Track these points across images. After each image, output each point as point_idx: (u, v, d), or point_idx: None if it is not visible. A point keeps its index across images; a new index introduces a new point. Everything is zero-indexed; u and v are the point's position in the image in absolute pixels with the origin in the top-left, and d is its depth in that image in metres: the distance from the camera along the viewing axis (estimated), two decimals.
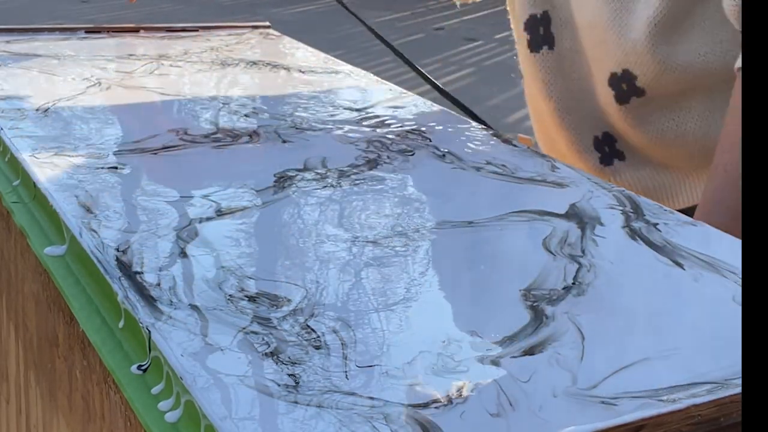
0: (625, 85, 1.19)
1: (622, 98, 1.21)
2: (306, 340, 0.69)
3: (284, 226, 0.90)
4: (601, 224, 0.92)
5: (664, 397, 0.63)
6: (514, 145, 1.16)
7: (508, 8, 1.36)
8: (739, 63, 1.03)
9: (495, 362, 0.67)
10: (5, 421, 1.22)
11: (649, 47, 1.16)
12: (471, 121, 1.26)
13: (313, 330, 0.70)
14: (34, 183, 0.97)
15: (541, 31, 1.25)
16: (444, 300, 0.78)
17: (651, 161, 1.26)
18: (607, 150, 1.27)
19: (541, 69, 1.27)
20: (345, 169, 1.04)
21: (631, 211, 0.95)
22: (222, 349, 0.67)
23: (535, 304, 0.75)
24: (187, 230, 0.86)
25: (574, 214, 0.94)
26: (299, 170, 1.03)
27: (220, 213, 0.91)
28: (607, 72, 1.20)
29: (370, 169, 1.04)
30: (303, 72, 1.47)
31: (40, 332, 0.98)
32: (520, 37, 1.30)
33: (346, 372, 0.65)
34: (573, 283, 0.79)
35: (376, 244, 0.86)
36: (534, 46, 1.26)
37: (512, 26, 1.35)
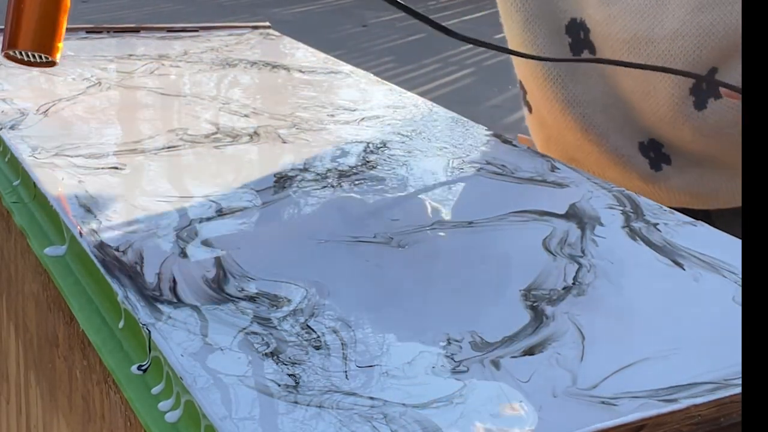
0: (704, 85, 1.16)
1: (700, 103, 1.17)
2: (306, 340, 0.69)
3: (284, 226, 0.90)
4: (601, 224, 0.92)
5: (664, 397, 0.63)
6: (514, 145, 1.16)
7: (508, 19, 1.28)
8: None
9: (495, 362, 0.67)
10: (5, 421, 1.22)
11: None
12: (471, 121, 1.25)
13: (313, 330, 0.70)
14: (34, 183, 0.97)
15: (582, 36, 1.22)
16: (444, 300, 0.78)
17: (701, 164, 1.23)
18: (653, 155, 1.24)
19: (582, 73, 1.23)
20: (345, 169, 1.04)
21: (631, 211, 0.95)
22: (222, 349, 0.67)
23: (535, 304, 0.75)
24: (187, 230, 0.86)
25: (573, 214, 0.94)
26: (299, 170, 1.03)
27: (220, 213, 0.91)
28: (691, 80, 1.15)
29: (370, 169, 1.04)
30: (303, 72, 1.47)
31: (40, 332, 0.98)
32: (555, 40, 1.25)
33: (346, 372, 0.65)
34: (573, 283, 0.79)
35: (376, 243, 0.86)
36: (575, 49, 1.23)
37: (518, 32, 1.28)
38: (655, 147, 1.24)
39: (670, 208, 0.98)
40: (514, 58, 1.33)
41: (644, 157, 1.25)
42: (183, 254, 0.81)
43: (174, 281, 0.76)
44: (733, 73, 1.14)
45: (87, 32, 1.66)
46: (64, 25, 0.97)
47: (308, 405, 0.61)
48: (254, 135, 1.15)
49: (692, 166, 1.23)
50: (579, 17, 1.21)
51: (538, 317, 0.73)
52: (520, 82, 1.36)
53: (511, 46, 1.32)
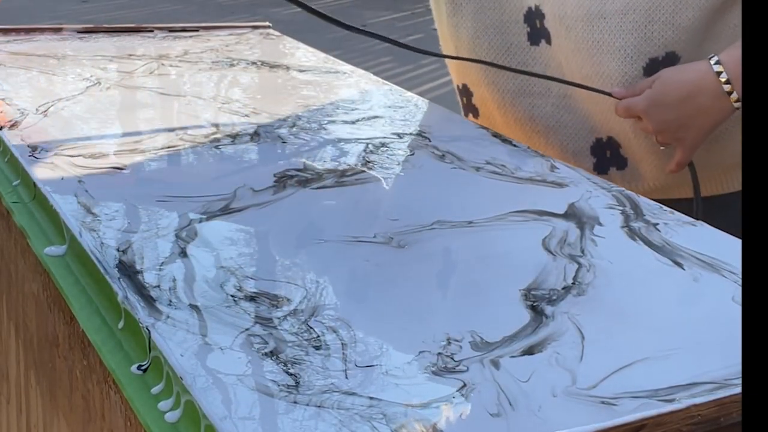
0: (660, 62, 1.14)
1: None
2: (306, 340, 0.69)
3: (284, 226, 0.90)
4: (600, 224, 0.92)
5: (664, 397, 0.63)
6: (514, 145, 1.16)
7: (450, 12, 1.28)
8: None
9: (495, 362, 0.67)
10: (5, 421, 1.22)
11: (704, 26, 1.14)
12: (470, 121, 1.25)
13: (313, 330, 0.70)
14: (34, 183, 0.97)
15: (538, 25, 1.22)
16: (444, 300, 0.78)
17: (655, 169, 1.20)
18: (609, 155, 1.22)
19: (540, 63, 1.23)
20: (345, 169, 1.04)
21: (631, 211, 0.95)
22: (222, 349, 0.67)
23: (535, 304, 0.75)
24: (187, 230, 0.86)
25: (573, 214, 0.94)
26: (299, 170, 1.03)
27: (220, 213, 0.91)
28: (644, 59, 1.14)
29: (370, 170, 1.04)
30: (303, 72, 1.47)
31: (40, 332, 0.99)
32: (511, 31, 1.24)
33: (345, 372, 0.65)
34: (573, 283, 0.79)
35: (376, 243, 0.86)
36: (534, 38, 1.22)
37: (468, 24, 1.26)
38: (612, 146, 1.22)
39: None
40: (450, 62, 1.31)
41: (592, 156, 1.23)
42: (183, 254, 0.81)
43: (174, 281, 0.76)
44: (695, 59, 1.13)
45: (87, 32, 1.66)
46: None
47: (308, 405, 0.61)
48: (254, 135, 1.15)
49: (646, 171, 1.21)
50: (534, 4, 1.21)
51: (538, 317, 0.73)
52: (464, 86, 1.33)
53: (451, 40, 1.31)
